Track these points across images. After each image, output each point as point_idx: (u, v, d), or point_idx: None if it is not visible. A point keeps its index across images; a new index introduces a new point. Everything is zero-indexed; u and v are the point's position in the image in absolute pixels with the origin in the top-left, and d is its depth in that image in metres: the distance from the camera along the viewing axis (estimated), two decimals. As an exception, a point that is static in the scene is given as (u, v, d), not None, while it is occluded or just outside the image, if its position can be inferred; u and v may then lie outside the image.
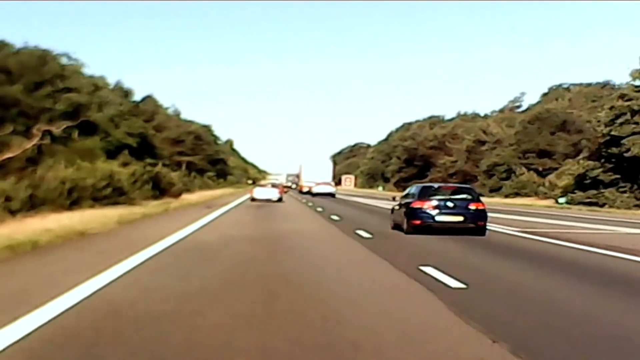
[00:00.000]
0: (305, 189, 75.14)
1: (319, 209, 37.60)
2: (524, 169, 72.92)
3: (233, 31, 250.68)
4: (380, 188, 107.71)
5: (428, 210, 18.74)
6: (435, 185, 23.73)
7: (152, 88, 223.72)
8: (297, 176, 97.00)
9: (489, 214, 19.80)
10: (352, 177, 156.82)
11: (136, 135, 61.92)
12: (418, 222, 18.70)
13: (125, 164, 41.14)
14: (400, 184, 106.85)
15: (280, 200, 47.70)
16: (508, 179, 75.01)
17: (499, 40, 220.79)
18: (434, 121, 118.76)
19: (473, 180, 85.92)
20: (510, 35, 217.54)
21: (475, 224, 18.70)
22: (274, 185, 52.16)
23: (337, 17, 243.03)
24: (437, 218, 18.67)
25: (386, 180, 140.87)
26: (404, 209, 19.74)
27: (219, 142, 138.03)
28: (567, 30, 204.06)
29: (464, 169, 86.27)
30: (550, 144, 74.71)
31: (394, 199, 23.21)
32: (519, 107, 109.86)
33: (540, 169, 74.52)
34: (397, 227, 20.33)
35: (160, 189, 39.75)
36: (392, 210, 22.09)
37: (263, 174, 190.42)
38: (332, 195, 67.58)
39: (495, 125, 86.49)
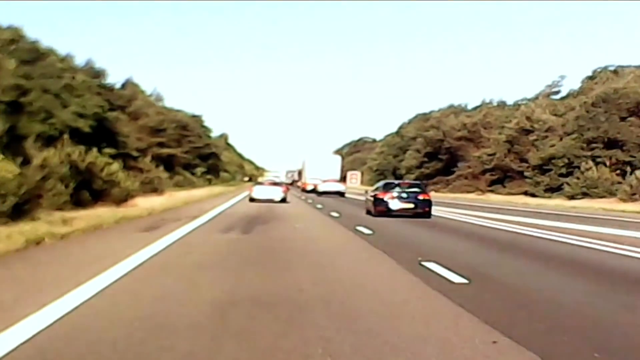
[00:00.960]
0: (309, 187, 65.84)
1: (334, 214, 28.43)
2: (590, 163, 57.40)
3: (231, 22, 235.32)
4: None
5: (388, 200, 25.76)
6: (396, 182, 31.30)
7: (149, 82, 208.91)
8: (299, 173, 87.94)
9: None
10: (358, 173, 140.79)
11: (90, 117, 46.50)
12: (382, 208, 25.83)
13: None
14: (422, 182, 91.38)
15: (284, 200, 39.08)
16: (569, 174, 59.46)
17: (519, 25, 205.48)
18: (456, 110, 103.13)
19: (515, 178, 70.74)
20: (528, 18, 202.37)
21: (422, 210, 25.38)
22: (276, 183, 43.00)
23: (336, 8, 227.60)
24: (395, 206, 25.52)
25: (399, 177, 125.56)
26: (372, 199, 27.13)
27: (211, 135, 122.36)
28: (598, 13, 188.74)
29: (504, 163, 70.74)
30: (620, 132, 59.30)
31: (366, 192, 31.95)
32: (557, 92, 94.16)
33: (608, 162, 59.09)
34: (368, 212, 27.63)
35: (93, 190, 24.26)
36: (366, 200, 29.59)
37: (261, 170, 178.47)
38: (341, 194, 58.24)
39: (541, 111, 70.94)
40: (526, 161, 68.98)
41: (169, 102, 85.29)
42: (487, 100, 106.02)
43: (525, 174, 66.85)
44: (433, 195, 30.40)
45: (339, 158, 73.53)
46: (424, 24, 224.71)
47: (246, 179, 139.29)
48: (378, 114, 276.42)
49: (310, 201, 41.76)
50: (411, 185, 28.92)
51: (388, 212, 25.34)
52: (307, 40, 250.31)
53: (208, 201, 36.78)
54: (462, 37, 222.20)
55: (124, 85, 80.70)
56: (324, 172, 63.89)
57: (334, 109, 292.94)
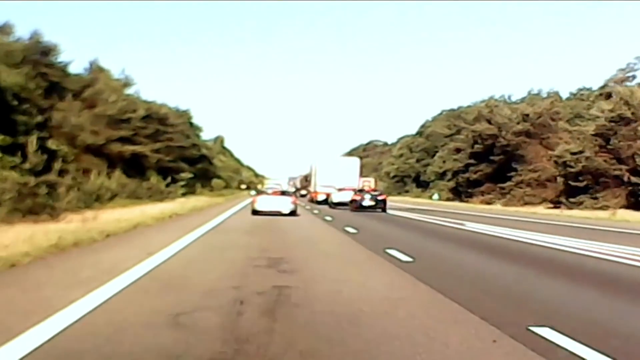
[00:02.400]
0: (320, 197, 54.57)
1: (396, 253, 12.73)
2: None
3: (229, 22, 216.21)
4: (435, 196, 73.41)
5: (360, 200, 39.37)
6: (365, 189, 43.69)
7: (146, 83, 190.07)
8: (306, 179, 78.89)
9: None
10: (371, 180, 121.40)
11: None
12: (356, 205, 39.09)
13: None
14: (466, 190, 71.79)
15: (293, 213, 30.52)
16: None
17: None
18: (497, 103, 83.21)
19: (609, 185, 51.24)
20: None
21: (381, 207, 39.18)
22: (283, 193, 33.11)
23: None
24: (364, 204, 38.92)
25: (423, 184, 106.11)
26: (353, 200, 40.27)
27: (202, 134, 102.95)
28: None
29: (596, 165, 51.19)
30: None
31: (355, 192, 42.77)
32: (632, 77, 74.39)
33: None
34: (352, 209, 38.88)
35: None
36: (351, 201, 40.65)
37: (260, 178, 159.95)
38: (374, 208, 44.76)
39: (641, 93, 51.41)
40: (624, 161, 49.64)
41: (123, 75, 64.23)
42: (535, 91, 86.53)
43: (625, 179, 47.56)
44: (489, 210, 38.23)
45: (356, 161, 60.58)
46: (431, 21, 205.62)
47: (243, 186, 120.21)
48: (387, 116, 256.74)
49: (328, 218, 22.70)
50: (373, 190, 43.78)
51: (360, 208, 38.95)
52: (309, 42, 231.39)
53: (145, 234, 17.22)
54: (470, 31, 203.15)
55: (90, 70, 61.95)
56: (338, 178, 52.61)
57: (338, 112, 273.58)
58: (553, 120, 62.48)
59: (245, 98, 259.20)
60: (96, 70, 62.06)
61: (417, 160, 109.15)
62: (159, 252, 11.91)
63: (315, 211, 36.25)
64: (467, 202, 68.51)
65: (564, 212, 43.83)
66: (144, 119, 63.31)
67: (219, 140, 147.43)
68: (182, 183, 52.46)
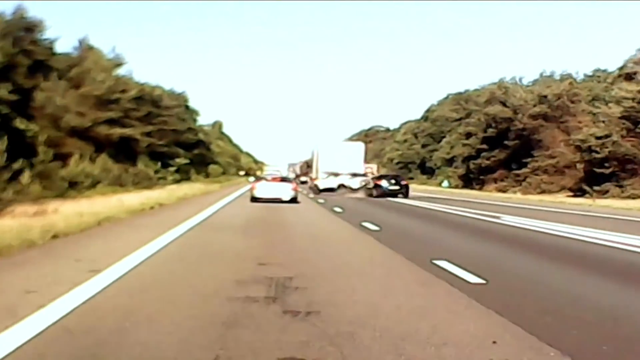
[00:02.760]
0: (323, 185, 49.92)
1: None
2: None
3: (228, 6, 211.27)
4: (445, 183, 69.37)
5: (383, 185, 40.15)
6: (387, 174, 49.12)
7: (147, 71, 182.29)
8: (307, 165, 73.57)
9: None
10: (374, 166, 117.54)
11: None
12: (380, 191, 39.64)
13: None
14: (477, 177, 67.78)
15: (294, 200, 29.11)
16: None
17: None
18: (507, 85, 78.88)
19: (636, 172, 47.33)
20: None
21: (405, 191, 40.35)
22: (284, 179, 31.85)
23: None
24: (388, 188, 39.78)
25: (429, 171, 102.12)
26: (373, 185, 41.09)
27: (199, 118, 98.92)
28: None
29: (623, 151, 47.22)
30: None
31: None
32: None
33: None
34: (370, 195, 40.03)
35: None
36: (367, 186, 42.19)
37: (260, 164, 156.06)
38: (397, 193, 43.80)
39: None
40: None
41: (113, 54, 60.10)
42: (548, 73, 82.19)
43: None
44: (509, 199, 38.11)
45: (361, 146, 56.70)
46: (434, 3, 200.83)
47: (242, 173, 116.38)
48: (389, 101, 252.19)
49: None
50: (395, 176, 45.84)
51: (384, 194, 39.52)
52: (310, 26, 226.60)
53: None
54: (474, 13, 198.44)
55: (80, 49, 58.27)
56: (342, 164, 50.11)
57: (339, 98, 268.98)
58: (572, 102, 58.34)
59: (244, 84, 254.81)
60: (86, 49, 58.19)
61: (423, 146, 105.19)
62: (105, 270, 7.93)
63: (321, 200, 32.19)
64: (478, 189, 64.53)
65: (596, 202, 39.74)
66: (136, 101, 59.46)
67: (217, 125, 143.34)
68: (174, 169, 48.21)
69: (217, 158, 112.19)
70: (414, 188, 69.42)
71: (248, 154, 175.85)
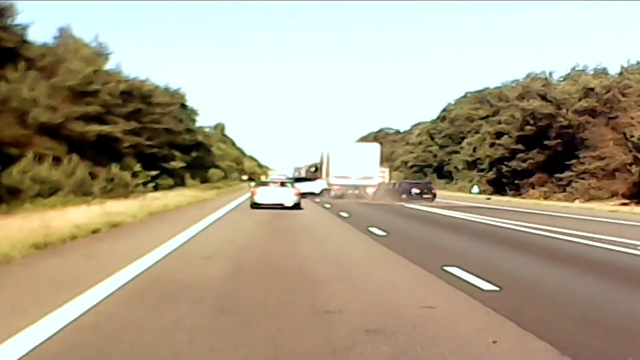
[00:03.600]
0: (335, 191, 48.19)
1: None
2: None
3: (232, 7, 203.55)
4: (475, 189, 61.43)
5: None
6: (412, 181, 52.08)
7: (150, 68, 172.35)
8: (316, 169, 67.51)
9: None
10: (385, 170, 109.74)
11: None
12: (405, 195, 42.86)
13: None
14: (511, 182, 59.75)
15: (297, 206, 27.52)
16: None
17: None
18: (537, 78, 70.58)
19: None
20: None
21: (432, 195, 43.87)
22: (286, 184, 30.23)
23: None
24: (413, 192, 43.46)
25: (447, 175, 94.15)
26: (399, 189, 44.95)
27: (198, 119, 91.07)
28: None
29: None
30: None
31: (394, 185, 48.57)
32: None
33: None
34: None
35: None
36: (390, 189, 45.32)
37: (264, 169, 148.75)
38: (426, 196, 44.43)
39: None
40: None
41: (96, 42, 52.19)
42: (581, 67, 74.02)
43: None
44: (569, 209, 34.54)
45: (376, 147, 52.75)
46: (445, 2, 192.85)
47: (245, 177, 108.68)
48: (398, 103, 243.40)
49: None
50: (420, 183, 49.78)
51: (410, 197, 42.68)
52: (316, 28, 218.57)
53: None
54: (487, 9, 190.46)
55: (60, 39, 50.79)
56: (356, 167, 47.78)
57: (346, 100, 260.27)
58: (623, 95, 50.31)
59: (248, 86, 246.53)
60: (66, 38, 50.57)
61: (440, 148, 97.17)
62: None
63: (344, 214, 24.19)
64: (512, 195, 56.57)
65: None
66: (123, 96, 51.77)
67: (219, 127, 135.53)
68: (156, 172, 40.22)
69: (219, 161, 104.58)
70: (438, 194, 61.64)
71: (252, 158, 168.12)
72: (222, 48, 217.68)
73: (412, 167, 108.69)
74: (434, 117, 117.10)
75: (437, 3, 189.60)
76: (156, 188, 52.02)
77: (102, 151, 44.21)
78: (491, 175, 64.14)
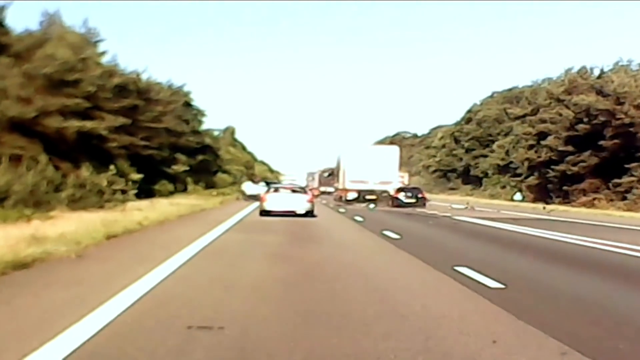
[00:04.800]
0: (351, 195, 46.15)
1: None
2: None
3: (243, 10, 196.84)
4: (518, 196, 54.27)
5: (400, 197, 41.41)
6: (407, 187, 47.39)
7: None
8: (331, 174, 67.81)
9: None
10: (405, 175, 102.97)
11: None
12: (397, 202, 40.64)
13: None
14: (558, 188, 52.52)
15: (310, 213, 25.66)
16: None
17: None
18: (580, 73, 63.02)
19: None
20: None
21: (422, 203, 40.95)
22: (298, 190, 28.87)
23: None
24: (404, 201, 40.75)
25: (474, 180, 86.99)
26: (390, 197, 42.61)
27: (203, 119, 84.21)
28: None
29: None
30: None
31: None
32: None
33: None
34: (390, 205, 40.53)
35: None
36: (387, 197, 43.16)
37: (275, 174, 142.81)
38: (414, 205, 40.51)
39: None
40: None
41: (84, 28, 45.01)
42: (624, 62, 66.59)
43: None
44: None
45: (395, 150, 50.48)
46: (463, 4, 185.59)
47: (256, 181, 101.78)
48: (415, 105, 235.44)
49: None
50: (413, 188, 45.98)
51: (400, 204, 40.08)
52: (328, 31, 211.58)
53: None
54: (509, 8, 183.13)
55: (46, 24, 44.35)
56: (373, 171, 46.17)
57: (360, 104, 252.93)
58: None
59: (259, 90, 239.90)
60: (53, 24, 43.94)
61: (467, 151, 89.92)
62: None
63: (389, 234, 17.23)
64: (559, 203, 49.34)
65: None
66: (117, 91, 45.17)
67: (229, 130, 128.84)
68: (139, 177, 33.00)
69: (227, 166, 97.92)
70: (474, 202, 54.66)
71: (263, 163, 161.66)
72: (235, 51, 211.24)
73: (434, 171, 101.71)
74: (455, 119, 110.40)
75: (453, 4, 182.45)
76: (150, 195, 45.33)
77: (89, 153, 37.49)
78: (533, 180, 56.78)
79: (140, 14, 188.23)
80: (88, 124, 35.60)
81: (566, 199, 50.30)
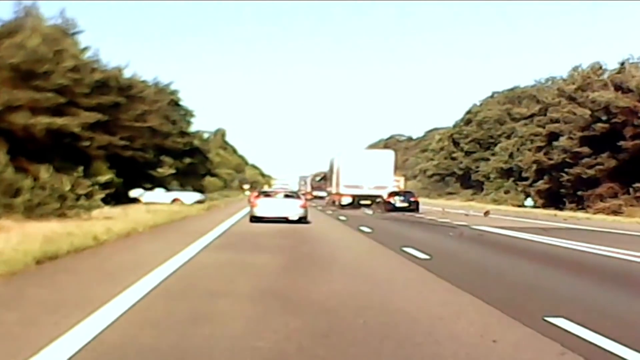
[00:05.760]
0: (345, 200, 45.42)
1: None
2: None
3: (236, 13, 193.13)
4: (529, 201, 50.64)
5: (392, 201, 41.00)
6: (399, 191, 45.68)
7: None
8: (324, 178, 67.98)
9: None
10: (401, 179, 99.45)
11: None
12: (389, 207, 40.12)
13: None
14: (572, 193, 48.95)
15: (303, 219, 24.26)
16: None
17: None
18: (593, 68, 59.08)
19: None
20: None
21: (415, 206, 40.70)
22: (291, 195, 27.71)
23: None
24: (397, 205, 40.59)
25: (474, 185, 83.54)
26: (383, 201, 41.91)
27: (192, 120, 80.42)
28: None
29: None
30: None
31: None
32: None
33: None
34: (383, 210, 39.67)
35: None
36: (379, 202, 42.49)
37: (267, 178, 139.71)
38: (407, 210, 40.64)
39: None
40: None
41: (61, 18, 40.85)
42: (635, 59, 63.00)
43: None
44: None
45: (390, 154, 49.66)
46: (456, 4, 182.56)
47: (246, 186, 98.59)
48: (409, 108, 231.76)
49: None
50: (406, 192, 45.86)
51: (393, 209, 39.77)
52: (321, 33, 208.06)
53: None
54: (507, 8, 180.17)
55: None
56: (368, 175, 45.56)
57: (352, 107, 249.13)
58: None
59: (251, 93, 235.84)
60: (28, 14, 40.12)
61: (466, 154, 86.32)
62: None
63: (413, 252, 13.61)
64: (573, 209, 45.84)
65: None
66: (95, 87, 41.44)
67: (219, 133, 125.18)
68: (107, 177, 28.89)
69: (217, 170, 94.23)
70: (476, 207, 51.02)
71: (254, 166, 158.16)
72: (228, 54, 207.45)
73: (432, 175, 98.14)
74: (450, 122, 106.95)
75: (448, 4, 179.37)
76: (132, 200, 41.55)
77: (62, 153, 33.66)
78: (542, 185, 53.08)
79: (132, 14, 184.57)
80: (59, 121, 31.80)
81: (580, 204, 46.72)
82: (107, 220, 19.50)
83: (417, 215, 35.98)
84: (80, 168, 21.80)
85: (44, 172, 20.67)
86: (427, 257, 12.50)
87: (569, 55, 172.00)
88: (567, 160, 47.97)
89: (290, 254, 12.63)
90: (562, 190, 49.27)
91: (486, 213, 37.58)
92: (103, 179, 27.27)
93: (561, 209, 46.71)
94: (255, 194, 33.77)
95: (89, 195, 20.84)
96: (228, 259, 11.39)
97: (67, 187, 20.57)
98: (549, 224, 29.48)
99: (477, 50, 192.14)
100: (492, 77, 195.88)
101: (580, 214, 40.02)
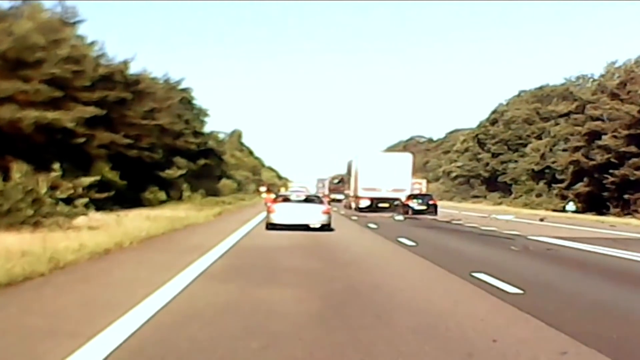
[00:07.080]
0: (364, 203, 45.19)
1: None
2: None
3: (252, 14, 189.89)
4: (570, 206, 46.64)
5: (411, 204, 40.56)
6: (417, 194, 45.14)
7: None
8: (342, 181, 67.52)
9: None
10: (422, 182, 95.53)
11: None
12: (408, 210, 39.69)
13: None
14: (615, 196, 44.88)
15: (327, 226, 21.87)
16: None
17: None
18: (630, 66, 54.88)
19: None
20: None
21: (433, 209, 40.17)
22: (313, 199, 24.73)
23: None
24: (415, 208, 40.08)
25: (502, 187, 79.41)
26: (401, 204, 41.68)
27: (206, 120, 77.15)
28: None
29: None
30: None
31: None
32: None
33: None
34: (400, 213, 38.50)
35: None
36: (399, 205, 42.02)
37: (284, 180, 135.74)
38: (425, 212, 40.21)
39: None
40: None
41: (60, 7, 36.97)
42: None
43: None
44: None
45: (408, 157, 49.07)
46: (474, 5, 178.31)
47: (263, 189, 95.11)
48: (429, 109, 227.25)
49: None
50: (424, 195, 45.64)
51: (412, 212, 39.67)
52: (339, 33, 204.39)
53: None
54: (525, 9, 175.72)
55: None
56: (386, 178, 44.73)
57: (371, 108, 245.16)
58: None
59: (269, 95, 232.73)
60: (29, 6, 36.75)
61: (493, 155, 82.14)
62: None
63: (491, 280, 9.79)
64: (617, 215, 41.81)
65: None
66: (99, 80, 38.13)
67: (236, 134, 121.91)
68: (91, 179, 24.90)
69: (232, 171, 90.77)
70: (508, 211, 47.03)
71: (271, 169, 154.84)
72: (246, 55, 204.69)
73: (456, 178, 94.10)
74: (472, 122, 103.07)
75: (465, 4, 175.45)
76: (137, 204, 37.94)
77: (57, 153, 30.04)
78: (582, 187, 48.89)
79: (149, 17, 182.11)
80: (49, 115, 28.17)
81: (626, 209, 42.63)
82: (90, 230, 15.84)
83: (455, 222, 31.86)
84: (57, 166, 17.97)
85: (16, 172, 16.98)
86: (518, 291, 8.67)
87: (597, 53, 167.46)
88: (612, 160, 43.82)
89: (322, 288, 8.80)
90: (605, 194, 45.11)
91: (542, 219, 34.55)
92: (88, 180, 23.32)
93: (604, 214, 42.69)
94: (272, 197, 30.35)
95: (68, 200, 17.13)
96: (231, 300, 7.60)
97: (44, 190, 16.93)
98: (611, 232, 25.53)
99: (497, 51, 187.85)
100: (513, 77, 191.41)
101: (634, 221, 35.90)
